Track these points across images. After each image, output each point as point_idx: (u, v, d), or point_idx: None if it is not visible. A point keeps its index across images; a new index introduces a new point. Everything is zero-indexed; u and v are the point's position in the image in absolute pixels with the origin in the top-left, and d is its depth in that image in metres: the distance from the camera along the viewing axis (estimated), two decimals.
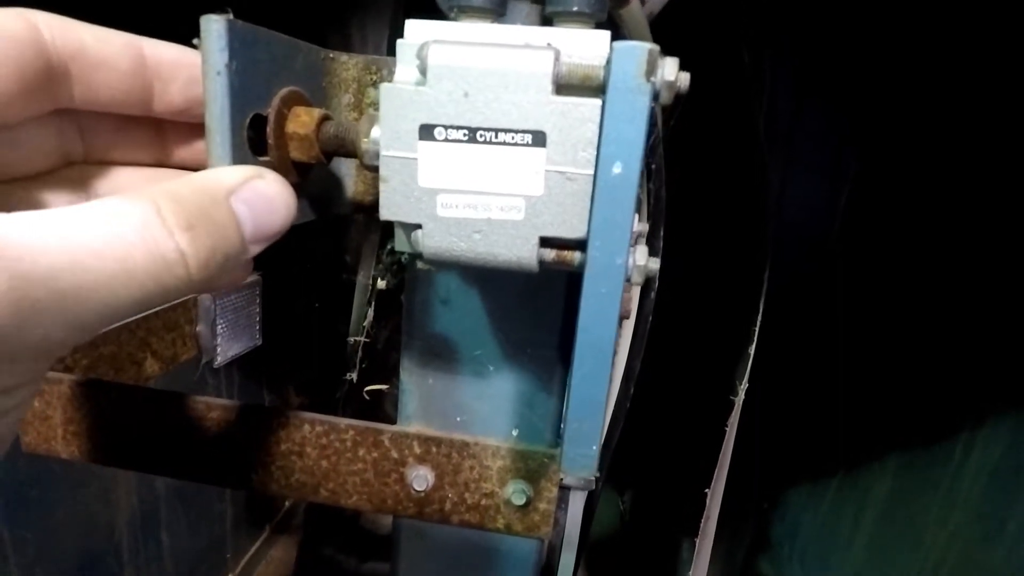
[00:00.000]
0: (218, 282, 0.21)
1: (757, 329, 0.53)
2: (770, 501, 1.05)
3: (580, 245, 0.22)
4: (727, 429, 0.53)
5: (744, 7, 0.68)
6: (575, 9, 0.22)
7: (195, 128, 0.26)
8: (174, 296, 0.19)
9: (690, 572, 0.62)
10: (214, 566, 1.03)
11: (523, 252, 0.22)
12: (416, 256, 0.23)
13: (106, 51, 0.22)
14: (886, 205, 0.77)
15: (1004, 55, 0.58)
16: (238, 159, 0.22)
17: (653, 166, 0.33)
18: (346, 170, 0.30)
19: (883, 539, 0.80)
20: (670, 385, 0.94)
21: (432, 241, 0.22)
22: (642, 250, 0.21)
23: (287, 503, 1.21)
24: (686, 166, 0.80)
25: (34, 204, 0.23)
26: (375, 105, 0.29)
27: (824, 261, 0.87)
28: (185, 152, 0.28)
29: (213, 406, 0.38)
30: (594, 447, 0.23)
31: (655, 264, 0.21)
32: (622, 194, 0.20)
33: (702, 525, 0.58)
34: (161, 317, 0.54)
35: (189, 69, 0.24)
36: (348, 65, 0.29)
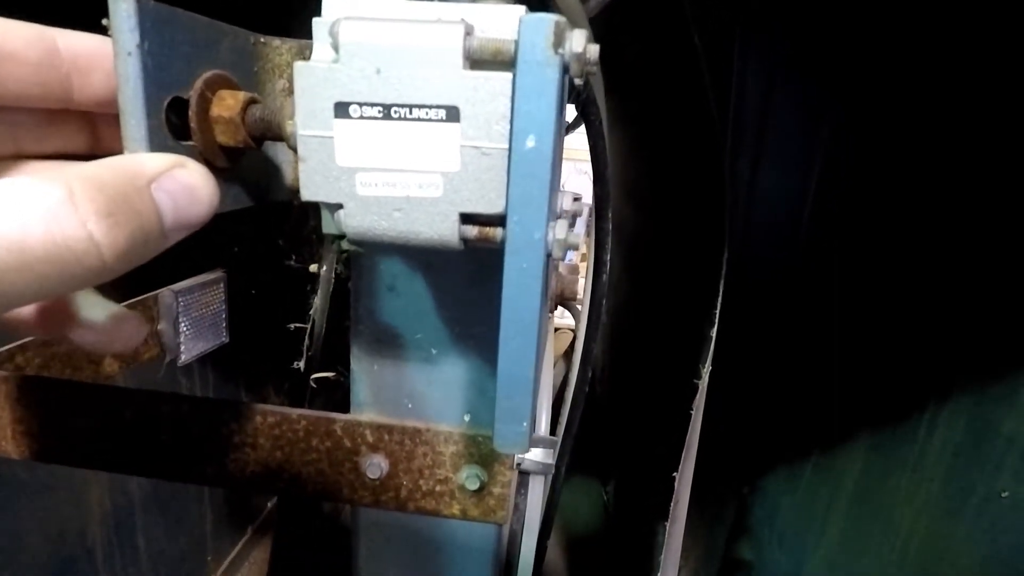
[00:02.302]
0: (132, 267, 0.21)
1: (717, 313, 0.53)
2: (750, 486, 1.06)
3: (501, 221, 0.22)
4: (692, 413, 0.54)
5: None
6: None
7: None
8: (84, 283, 0.19)
9: (662, 555, 0.62)
10: (194, 569, 1.02)
11: (444, 229, 0.22)
12: (341, 236, 0.23)
13: (12, 44, 0.21)
14: (851, 195, 0.78)
15: (978, 47, 0.59)
16: (156, 143, 0.22)
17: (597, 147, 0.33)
18: (284, 156, 0.30)
19: (856, 517, 0.81)
20: (653, 373, 0.95)
21: (354, 220, 0.22)
22: (562, 224, 0.21)
23: (269, 504, 1.20)
24: (652, 153, 0.81)
25: None
26: None
27: (796, 249, 0.87)
28: (118, 143, 0.27)
29: (164, 400, 0.37)
30: (524, 423, 0.23)
31: (575, 238, 0.22)
32: (537, 168, 0.20)
33: (672, 509, 0.59)
34: None
35: (110, 59, 0.24)
36: (281, 50, 0.29)
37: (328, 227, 0.23)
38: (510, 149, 0.20)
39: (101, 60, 0.24)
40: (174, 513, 0.95)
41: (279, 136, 0.25)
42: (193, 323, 0.60)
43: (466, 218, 0.22)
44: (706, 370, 0.54)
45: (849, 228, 0.79)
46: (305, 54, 0.29)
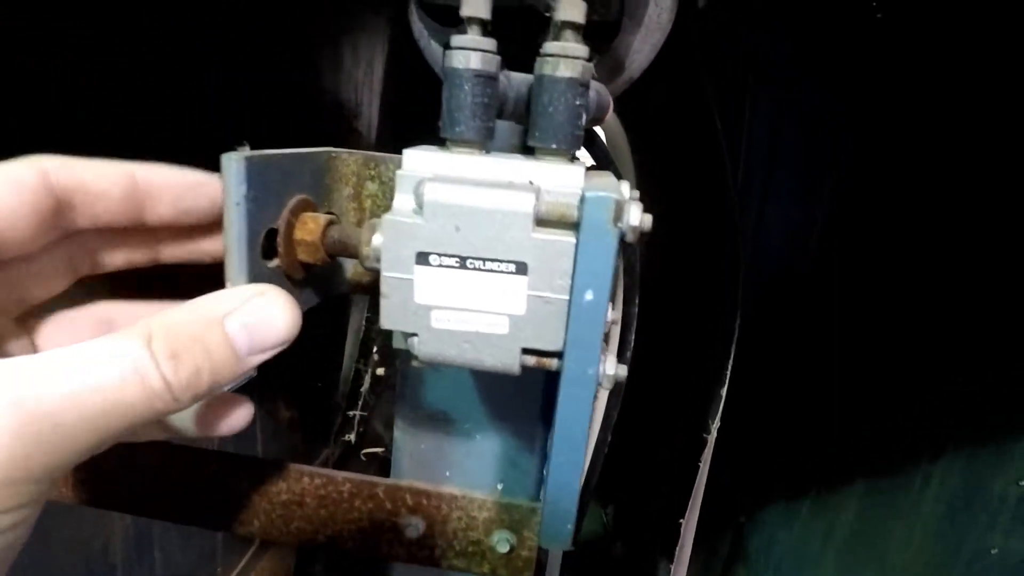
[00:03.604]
0: (216, 392, 0.23)
1: (728, 373, 0.56)
2: (747, 515, 1.09)
3: (557, 354, 0.25)
4: (700, 465, 0.57)
5: (721, 51, 0.70)
6: (554, 147, 0.25)
7: (182, 230, 0.29)
8: (166, 414, 0.22)
9: None
10: None
11: (507, 360, 0.25)
12: (412, 357, 0.26)
13: (103, 182, 0.25)
14: (852, 246, 0.81)
15: (978, 77, 0.61)
16: (252, 272, 0.25)
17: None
18: None
19: (851, 556, 0.84)
20: (657, 407, 0.97)
21: (426, 348, 0.25)
22: (612, 360, 0.24)
23: None
24: (667, 194, 0.83)
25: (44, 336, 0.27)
26: (373, 198, 0.32)
27: (799, 289, 0.90)
28: (174, 250, 0.31)
29: (218, 458, 0.40)
30: (569, 525, 0.26)
31: (623, 371, 0.24)
32: (594, 316, 0.23)
33: (677, 552, 0.62)
34: None
35: (176, 188, 0.27)
36: (348, 162, 0.32)
37: (399, 345, 0.26)
38: (570, 300, 0.23)
39: (171, 188, 0.27)
40: (187, 527, 0.98)
41: (354, 255, 0.28)
42: None
43: (526, 350, 0.25)
44: (715, 425, 0.57)
45: (850, 274, 0.82)
46: (370, 165, 0.32)
